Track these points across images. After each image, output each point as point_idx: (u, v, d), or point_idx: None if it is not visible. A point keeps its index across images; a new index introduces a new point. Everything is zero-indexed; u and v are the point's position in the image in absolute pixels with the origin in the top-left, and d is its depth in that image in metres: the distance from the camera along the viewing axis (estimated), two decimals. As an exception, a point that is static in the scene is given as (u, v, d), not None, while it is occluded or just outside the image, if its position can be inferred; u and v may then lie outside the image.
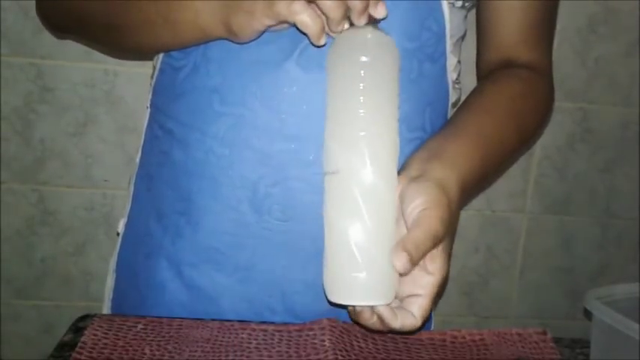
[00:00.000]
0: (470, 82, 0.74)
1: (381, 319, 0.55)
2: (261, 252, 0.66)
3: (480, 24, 0.75)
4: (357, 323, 0.58)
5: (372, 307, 0.55)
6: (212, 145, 0.64)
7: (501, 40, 0.73)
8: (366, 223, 0.54)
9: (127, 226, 0.74)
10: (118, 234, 0.75)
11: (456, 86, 0.72)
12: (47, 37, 1.09)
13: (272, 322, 0.63)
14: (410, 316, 0.55)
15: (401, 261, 0.53)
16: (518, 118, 0.68)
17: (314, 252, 0.62)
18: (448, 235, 0.56)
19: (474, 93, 0.70)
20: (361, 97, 0.55)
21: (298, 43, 0.62)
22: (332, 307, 0.59)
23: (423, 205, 0.55)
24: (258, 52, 0.63)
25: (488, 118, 0.66)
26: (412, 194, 0.56)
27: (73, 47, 1.11)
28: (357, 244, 0.54)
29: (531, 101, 0.71)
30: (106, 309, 0.75)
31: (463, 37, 0.72)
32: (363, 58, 0.55)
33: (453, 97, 0.71)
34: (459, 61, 0.71)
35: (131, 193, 0.74)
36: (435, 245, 0.55)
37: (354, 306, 0.55)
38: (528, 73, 0.71)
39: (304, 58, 0.62)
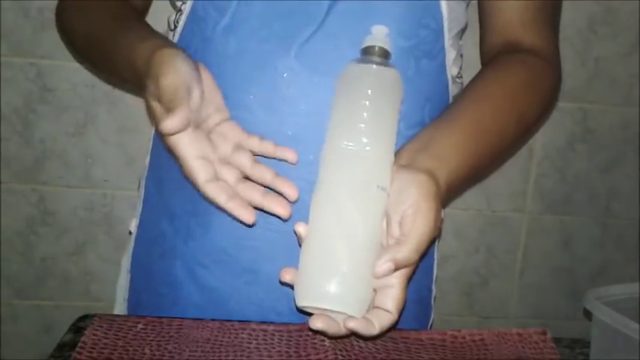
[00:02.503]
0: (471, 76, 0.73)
1: (357, 334, 0.54)
2: (265, 254, 0.66)
3: (482, 8, 0.73)
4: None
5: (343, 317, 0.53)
6: None
7: (504, 23, 0.71)
8: (358, 231, 0.54)
9: (140, 226, 0.74)
10: (130, 232, 0.76)
11: (458, 80, 0.71)
12: (47, 37, 1.09)
13: (272, 322, 0.63)
14: (386, 315, 0.54)
15: (382, 269, 0.53)
16: (520, 107, 0.66)
17: None
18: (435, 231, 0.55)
19: (475, 79, 0.68)
20: (365, 113, 0.56)
21: (292, 44, 0.62)
22: None
23: (416, 198, 0.54)
24: (255, 53, 0.63)
25: (487, 107, 0.64)
26: (404, 181, 0.55)
27: (73, 47, 1.11)
28: (346, 247, 0.53)
29: (535, 89, 0.68)
30: (120, 308, 0.75)
31: (464, 30, 0.71)
32: (369, 91, 0.56)
33: (453, 92, 0.70)
34: (460, 55, 0.70)
35: (142, 195, 0.74)
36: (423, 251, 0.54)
37: (324, 311, 0.53)
38: (533, 59, 0.69)
39: (302, 58, 0.62)
